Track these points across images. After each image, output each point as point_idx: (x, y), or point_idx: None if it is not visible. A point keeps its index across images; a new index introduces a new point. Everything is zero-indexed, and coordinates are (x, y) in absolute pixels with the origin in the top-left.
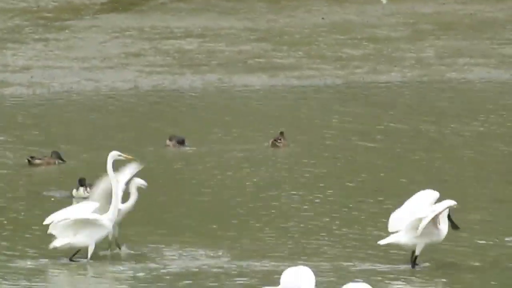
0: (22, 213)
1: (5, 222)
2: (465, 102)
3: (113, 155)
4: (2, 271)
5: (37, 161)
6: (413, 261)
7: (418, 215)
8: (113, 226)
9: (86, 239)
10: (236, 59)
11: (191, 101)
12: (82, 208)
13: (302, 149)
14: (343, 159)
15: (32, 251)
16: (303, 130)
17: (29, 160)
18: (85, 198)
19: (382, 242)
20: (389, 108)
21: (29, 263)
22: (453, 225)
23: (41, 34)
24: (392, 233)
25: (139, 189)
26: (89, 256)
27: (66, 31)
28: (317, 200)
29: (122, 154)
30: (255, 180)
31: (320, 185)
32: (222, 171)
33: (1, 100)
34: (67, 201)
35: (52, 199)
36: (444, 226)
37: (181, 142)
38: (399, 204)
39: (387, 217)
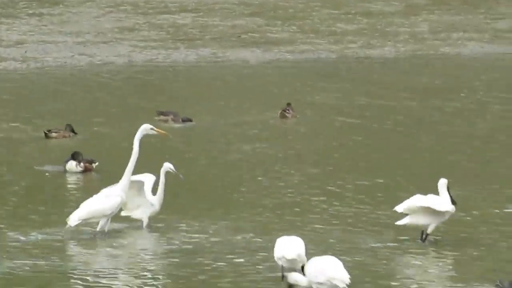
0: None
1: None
2: (458, 76)
3: (145, 128)
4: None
5: (53, 134)
6: (424, 238)
7: (432, 203)
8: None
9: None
10: (230, 33)
11: (185, 75)
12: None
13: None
14: (334, 136)
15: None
16: (297, 105)
17: (46, 133)
18: (77, 173)
19: (399, 222)
20: (382, 84)
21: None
22: (452, 200)
23: (35, 9)
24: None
25: (168, 174)
26: (98, 228)
27: (60, 5)
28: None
29: (155, 128)
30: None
31: (327, 159)
32: (225, 145)
33: None
34: (61, 175)
35: (47, 174)
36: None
37: (186, 120)
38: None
39: (377, 193)
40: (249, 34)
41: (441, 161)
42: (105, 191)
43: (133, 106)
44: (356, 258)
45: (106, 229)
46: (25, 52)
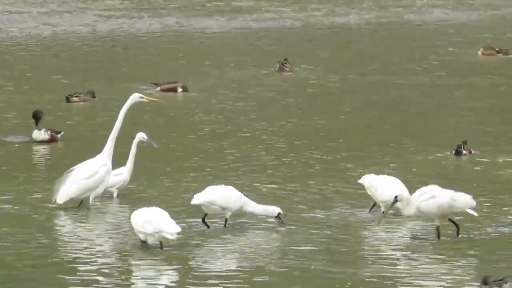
0: None
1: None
2: (419, 45)
3: (134, 97)
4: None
5: (75, 99)
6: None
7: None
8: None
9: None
10: (194, 2)
11: (149, 45)
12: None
13: (257, 94)
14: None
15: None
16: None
17: (67, 98)
18: (43, 142)
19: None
20: (346, 53)
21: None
22: None
23: None
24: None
25: (140, 144)
26: (91, 199)
27: None
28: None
29: (144, 96)
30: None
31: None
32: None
33: None
34: (27, 146)
35: (17, 145)
36: None
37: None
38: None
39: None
40: (213, 2)
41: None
42: (89, 162)
43: (101, 76)
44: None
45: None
46: None
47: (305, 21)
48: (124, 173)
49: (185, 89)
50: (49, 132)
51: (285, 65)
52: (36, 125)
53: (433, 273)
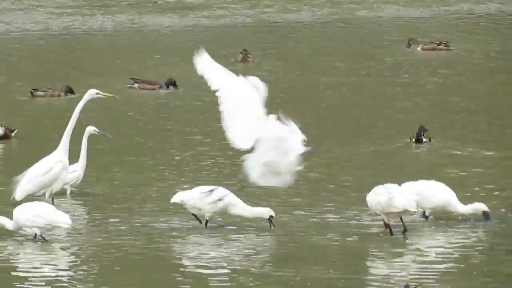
0: None
1: None
2: (369, 41)
3: (91, 93)
4: None
5: (40, 93)
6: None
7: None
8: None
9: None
10: None
11: (102, 42)
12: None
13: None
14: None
15: None
16: None
17: (31, 92)
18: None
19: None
20: (299, 50)
21: None
22: None
23: None
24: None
25: (92, 136)
26: (46, 196)
27: None
28: None
29: (101, 92)
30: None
31: None
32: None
33: None
34: None
35: None
36: None
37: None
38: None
39: None
40: (165, 0)
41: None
42: (45, 160)
43: (53, 74)
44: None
45: (52, 198)
46: None
47: (256, 18)
48: (77, 170)
49: (163, 87)
50: (3, 128)
51: (248, 55)
52: None
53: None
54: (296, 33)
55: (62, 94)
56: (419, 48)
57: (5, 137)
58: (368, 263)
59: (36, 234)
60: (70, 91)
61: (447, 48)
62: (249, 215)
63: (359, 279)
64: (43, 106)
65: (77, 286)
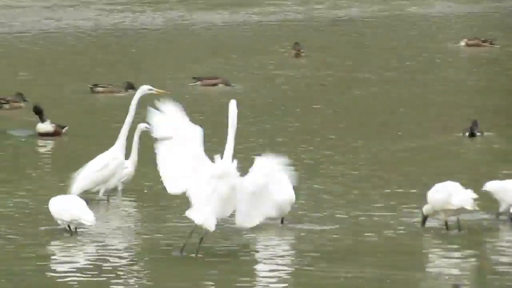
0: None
1: None
2: (419, 36)
3: (143, 89)
4: None
5: (6, 106)
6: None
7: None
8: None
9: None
10: None
11: (152, 39)
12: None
13: (259, 88)
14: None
15: None
16: (262, 68)
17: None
18: (48, 134)
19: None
20: (349, 46)
21: None
22: None
23: None
24: None
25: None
26: (100, 194)
27: None
28: None
29: (153, 88)
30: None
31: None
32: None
33: None
34: (32, 139)
35: (23, 139)
36: None
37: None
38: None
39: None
40: None
41: None
42: (101, 156)
43: (102, 71)
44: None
45: (108, 195)
46: None
47: (307, 14)
48: (128, 167)
49: (226, 84)
50: (53, 125)
51: (300, 50)
52: (41, 120)
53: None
54: (346, 29)
55: (123, 90)
56: (463, 44)
57: (56, 134)
58: (418, 261)
59: (69, 226)
60: (131, 87)
61: (492, 45)
62: None
63: (409, 277)
64: (102, 102)
65: (122, 277)
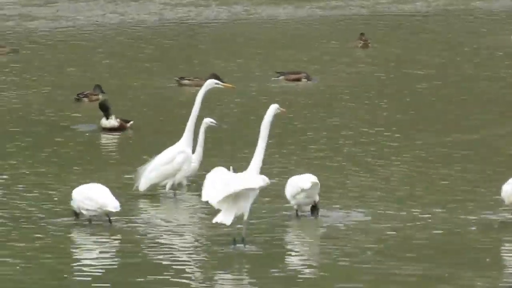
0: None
1: None
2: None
3: (210, 83)
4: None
5: (85, 99)
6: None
7: None
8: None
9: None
10: None
11: (217, 33)
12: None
13: (327, 81)
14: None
15: None
16: (329, 61)
17: (76, 98)
18: (112, 129)
19: None
20: (413, 40)
21: None
22: None
23: None
24: None
25: (209, 128)
26: (167, 188)
27: None
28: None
29: (220, 82)
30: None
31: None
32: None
33: (26, 34)
34: (96, 135)
35: (87, 134)
36: None
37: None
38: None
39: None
40: None
41: None
42: (168, 150)
43: (165, 64)
44: None
45: (175, 189)
46: (57, 11)
47: (372, 9)
48: (194, 162)
49: (308, 79)
50: (118, 120)
51: (367, 41)
52: (106, 117)
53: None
54: (411, 23)
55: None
56: None
57: (121, 128)
58: (477, 259)
59: (109, 218)
60: (217, 79)
61: None
62: None
63: (465, 274)
64: (147, 96)
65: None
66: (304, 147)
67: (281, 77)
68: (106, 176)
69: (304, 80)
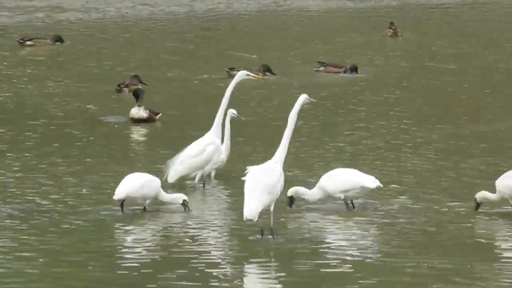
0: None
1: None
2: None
3: (241, 74)
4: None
5: (125, 89)
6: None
7: None
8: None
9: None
10: None
11: (246, 24)
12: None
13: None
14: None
15: None
16: (360, 53)
17: (117, 88)
18: (141, 120)
19: None
20: (443, 30)
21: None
22: None
23: None
24: None
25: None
26: (196, 180)
27: None
28: None
29: (251, 74)
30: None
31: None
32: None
33: (56, 25)
34: (126, 126)
35: (116, 125)
36: None
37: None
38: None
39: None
40: None
41: None
42: (198, 141)
43: (196, 56)
44: None
45: (204, 181)
46: (87, 2)
47: (401, 0)
48: (222, 153)
49: (347, 71)
50: (147, 111)
51: (397, 30)
52: (137, 101)
53: None
54: (443, 12)
55: (261, 74)
56: None
57: (150, 119)
58: (487, 252)
59: (145, 207)
60: (268, 69)
61: None
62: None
63: (477, 268)
64: (179, 87)
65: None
66: (333, 138)
67: (321, 68)
68: (133, 168)
69: (342, 73)
